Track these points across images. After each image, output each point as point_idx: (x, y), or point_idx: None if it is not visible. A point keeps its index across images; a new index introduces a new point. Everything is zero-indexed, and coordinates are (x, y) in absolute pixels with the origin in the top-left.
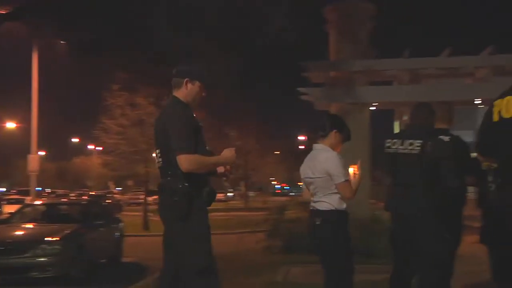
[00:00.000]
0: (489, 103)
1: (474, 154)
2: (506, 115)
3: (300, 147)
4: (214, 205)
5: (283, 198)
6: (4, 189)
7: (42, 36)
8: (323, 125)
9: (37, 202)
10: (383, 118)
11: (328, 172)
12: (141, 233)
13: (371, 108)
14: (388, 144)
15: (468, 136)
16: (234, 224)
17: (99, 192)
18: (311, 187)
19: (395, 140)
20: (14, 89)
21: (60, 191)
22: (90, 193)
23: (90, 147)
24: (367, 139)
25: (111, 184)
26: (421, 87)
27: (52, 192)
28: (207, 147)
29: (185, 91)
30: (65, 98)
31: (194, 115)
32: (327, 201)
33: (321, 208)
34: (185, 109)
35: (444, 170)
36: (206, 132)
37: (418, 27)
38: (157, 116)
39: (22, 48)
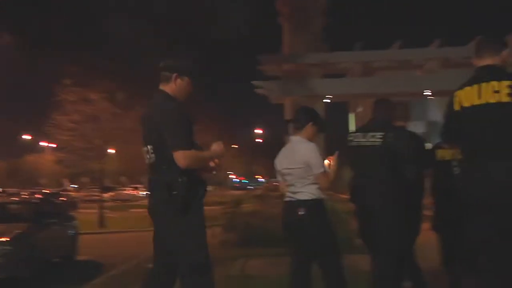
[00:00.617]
0: (438, 94)
1: (429, 146)
2: (466, 104)
3: (257, 140)
4: None
5: (241, 192)
6: None
7: None
8: (298, 118)
9: None
10: (338, 110)
11: (308, 163)
12: (97, 230)
13: (325, 100)
14: (350, 138)
15: (420, 127)
16: None
17: (53, 190)
18: (289, 178)
19: (357, 134)
20: None
21: (11, 190)
22: (44, 191)
23: (43, 144)
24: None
25: (65, 182)
26: (373, 79)
27: (2, 192)
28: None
29: (174, 86)
30: (15, 93)
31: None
32: (307, 191)
33: (302, 198)
34: (177, 104)
35: (404, 161)
36: None
37: (368, 21)
38: (145, 111)
39: None
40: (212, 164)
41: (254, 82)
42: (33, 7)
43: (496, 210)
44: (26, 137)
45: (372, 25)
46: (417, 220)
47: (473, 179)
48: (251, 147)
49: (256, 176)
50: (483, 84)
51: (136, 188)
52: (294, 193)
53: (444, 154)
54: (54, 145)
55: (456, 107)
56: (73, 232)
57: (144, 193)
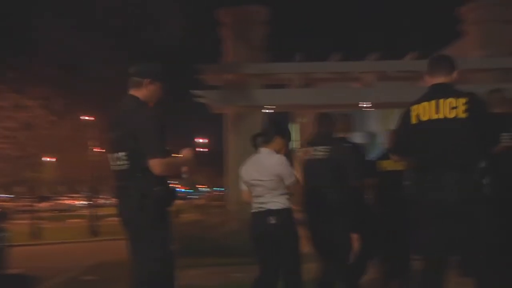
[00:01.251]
0: (375, 106)
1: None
2: (423, 118)
3: (199, 149)
4: (111, 210)
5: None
6: None
7: None
8: (267, 131)
9: None
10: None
11: (280, 175)
12: (30, 242)
13: (265, 110)
14: (298, 153)
15: (359, 138)
16: None
17: None
18: (258, 189)
19: (304, 148)
20: None
21: None
22: None
23: None
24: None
25: None
26: (313, 91)
27: None
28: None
29: (146, 91)
30: None
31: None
32: (278, 201)
33: (274, 208)
34: (151, 109)
35: (347, 172)
36: (105, 135)
37: (309, 32)
38: (114, 116)
39: None
40: (183, 170)
41: (194, 92)
42: None
43: (449, 218)
44: None
45: (312, 37)
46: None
47: (427, 188)
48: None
49: (198, 186)
50: (441, 100)
51: (74, 198)
52: (264, 203)
53: (387, 165)
54: None
55: (413, 121)
56: (1, 244)
57: (82, 203)
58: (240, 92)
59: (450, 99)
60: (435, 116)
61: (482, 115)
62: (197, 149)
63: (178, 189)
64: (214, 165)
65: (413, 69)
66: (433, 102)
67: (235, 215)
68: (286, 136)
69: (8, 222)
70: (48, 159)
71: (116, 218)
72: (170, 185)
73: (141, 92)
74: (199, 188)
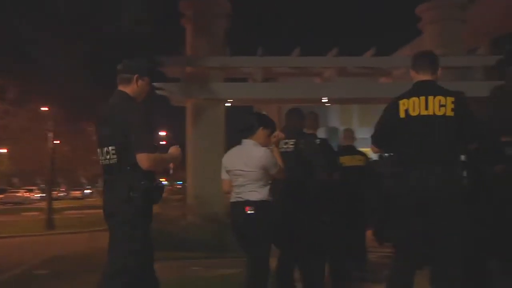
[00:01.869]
0: (335, 101)
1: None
2: (413, 113)
3: (161, 142)
4: (68, 203)
5: None
6: None
7: None
8: (250, 123)
9: None
10: (242, 115)
11: (264, 167)
12: None
13: (226, 104)
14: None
15: (320, 132)
16: (87, 222)
17: None
18: (241, 179)
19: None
20: None
21: None
22: None
23: None
24: (222, 134)
25: None
26: (274, 85)
27: None
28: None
29: (135, 87)
30: None
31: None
32: (259, 192)
33: (252, 199)
34: (140, 105)
35: (314, 165)
36: (61, 126)
37: (271, 27)
38: (103, 111)
39: None
40: (170, 166)
41: (155, 84)
42: None
43: (424, 206)
44: None
45: (275, 31)
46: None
47: (412, 180)
48: (154, 149)
49: (160, 179)
50: (430, 97)
51: (30, 191)
52: (243, 193)
53: (344, 161)
54: None
55: (402, 115)
56: None
57: (39, 195)
58: (201, 85)
59: (439, 97)
60: (424, 112)
61: (467, 114)
62: (159, 142)
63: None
64: None
65: (372, 66)
66: (422, 98)
67: (194, 208)
68: (269, 127)
69: None
70: (1, 150)
71: (72, 212)
72: (158, 180)
73: (130, 88)
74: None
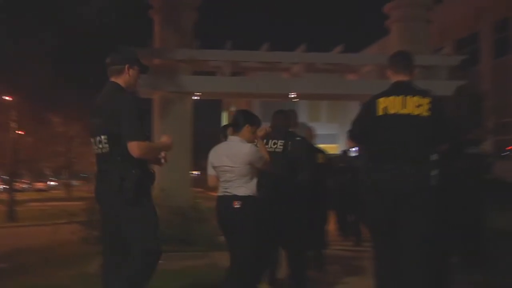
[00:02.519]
0: (302, 97)
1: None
2: (391, 111)
3: None
4: (32, 195)
5: None
6: None
7: None
8: (237, 120)
9: None
10: (212, 108)
11: (251, 162)
12: None
13: (194, 97)
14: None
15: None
16: (50, 215)
17: None
18: (228, 175)
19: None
20: None
21: None
22: None
23: None
24: (189, 128)
25: None
26: (242, 79)
27: None
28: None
29: (127, 77)
30: None
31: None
32: (246, 187)
33: (240, 194)
34: (132, 95)
35: (300, 165)
36: (27, 117)
37: (240, 21)
38: (96, 101)
39: None
40: (161, 155)
41: None
42: None
43: (394, 200)
44: None
45: (244, 26)
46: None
47: (384, 176)
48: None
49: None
50: (408, 97)
51: None
52: (231, 188)
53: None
54: None
55: (380, 112)
56: None
57: (2, 187)
58: (168, 77)
59: (416, 97)
60: (401, 111)
61: (442, 116)
62: None
63: None
64: None
65: (340, 62)
66: (400, 98)
67: (160, 201)
68: (255, 125)
69: None
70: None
71: (36, 204)
72: (147, 169)
73: (122, 78)
74: None
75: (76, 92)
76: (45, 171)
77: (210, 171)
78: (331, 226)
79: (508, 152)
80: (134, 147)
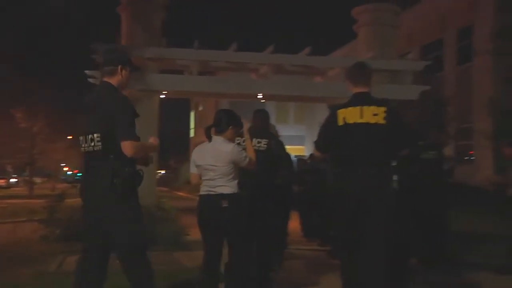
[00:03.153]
0: (269, 98)
1: None
2: (350, 121)
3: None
4: None
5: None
6: None
7: None
8: (220, 121)
9: None
10: (180, 107)
11: (234, 161)
12: None
13: (161, 96)
14: (239, 142)
15: None
16: (10, 213)
17: None
18: (211, 173)
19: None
20: None
21: None
22: None
23: None
24: (156, 127)
25: None
26: (209, 79)
27: None
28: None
29: (120, 77)
30: None
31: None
32: (230, 186)
33: (226, 192)
34: (125, 95)
35: (282, 164)
36: None
37: (209, 20)
38: (88, 100)
39: None
40: (150, 155)
41: (87, 72)
42: None
43: (358, 203)
44: None
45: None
46: (287, 210)
47: (349, 180)
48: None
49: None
50: (365, 107)
51: None
52: (215, 187)
53: None
54: None
55: (340, 123)
56: None
57: None
58: (135, 75)
59: (372, 107)
60: (359, 120)
61: (397, 123)
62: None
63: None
64: None
65: (308, 64)
66: (358, 108)
67: None
68: (238, 126)
69: None
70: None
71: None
72: (136, 167)
73: (115, 78)
74: None
75: (40, 87)
76: (6, 168)
77: (193, 170)
78: (295, 226)
79: (469, 157)
80: (128, 146)
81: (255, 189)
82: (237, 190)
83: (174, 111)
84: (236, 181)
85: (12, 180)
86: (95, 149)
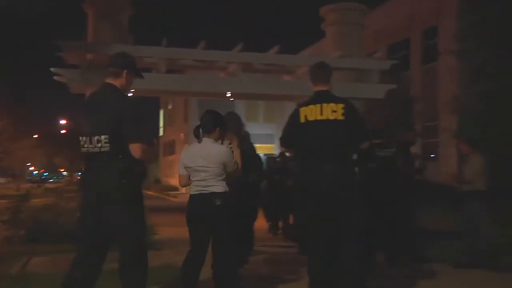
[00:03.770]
0: (238, 96)
1: None
2: (310, 118)
3: (62, 131)
4: None
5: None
6: None
7: None
8: (207, 123)
9: None
10: (149, 106)
11: (224, 163)
12: None
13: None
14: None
15: None
16: None
17: None
18: (202, 174)
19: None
20: None
21: None
22: None
23: None
24: None
25: None
26: (177, 77)
27: None
28: None
29: (124, 81)
30: None
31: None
32: (221, 185)
33: (218, 191)
34: (132, 98)
35: (254, 164)
36: None
37: (177, 18)
38: (92, 101)
39: None
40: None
41: (53, 69)
42: None
43: (325, 196)
44: None
45: (180, 23)
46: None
47: (313, 174)
48: (53, 138)
49: (60, 170)
50: (324, 105)
51: None
52: (207, 186)
53: None
54: None
55: (302, 120)
56: None
57: None
58: (101, 73)
59: (331, 104)
60: (320, 117)
61: (355, 118)
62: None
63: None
64: (74, 148)
65: (276, 63)
66: (318, 106)
67: None
68: (225, 127)
69: None
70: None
71: None
72: (142, 168)
73: (119, 81)
74: (62, 172)
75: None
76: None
77: (182, 171)
78: (261, 223)
79: (435, 155)
80: (138, 149)
81: (235, 189)
82: (227, 189)
83: (143, 110)
84: (225, 181)
85: None
86: (102, 150)
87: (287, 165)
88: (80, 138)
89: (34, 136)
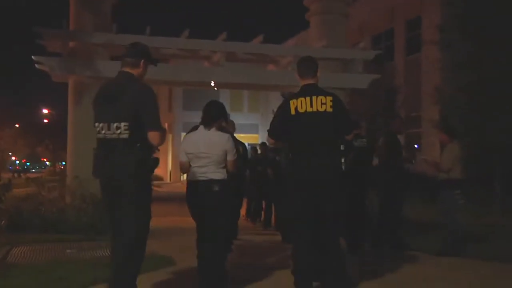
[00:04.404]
0: (221, 85)
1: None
2: (301, 110)
3: (44, 120)
4: None
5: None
6: None
7: None
8: (210, 113)
9: None
10: None
11: (226, 150)
12: None
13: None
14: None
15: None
16: None
17: None
18: (204, 161)
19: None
20: None
21: None
22: None
23: None
24: None
25: None
26: (161, 66)
27: None
28: None
29: (141, 70)
30: None
31: None
32: (221, 172)
33: (217, 178)
34: (150, 87)
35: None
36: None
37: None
38: (109, 88)
39: None
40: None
41: (34, 57)
42: None
43: (314, 185)
44: None
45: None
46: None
47: (304, 164)
48: (35, 127)
49: (43, 160)
50: (314, 97)
51: None
52: (206, 173)
53: None
54: None
55: (292, 112)
56: None
57: None
58: (84, 61)
59: (320, 97)
60: (310, 109)
61: (342, 110)
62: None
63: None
64: (57, 138)
65: (260, 52)
66: (308, 98)
67: (73, 189)
68: (226, 117)
69: None
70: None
71: None
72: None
73: (136, 70)
74: (45, 162)
75: None
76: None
77: (183, 158)
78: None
79: (418, 145)
80: (156, 137)
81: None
82: (225, 176)
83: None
84: (225, 169)
85: None
86: (120, 137)
87: (268, 155)
88: (97, 124)
89: (16, 126)
